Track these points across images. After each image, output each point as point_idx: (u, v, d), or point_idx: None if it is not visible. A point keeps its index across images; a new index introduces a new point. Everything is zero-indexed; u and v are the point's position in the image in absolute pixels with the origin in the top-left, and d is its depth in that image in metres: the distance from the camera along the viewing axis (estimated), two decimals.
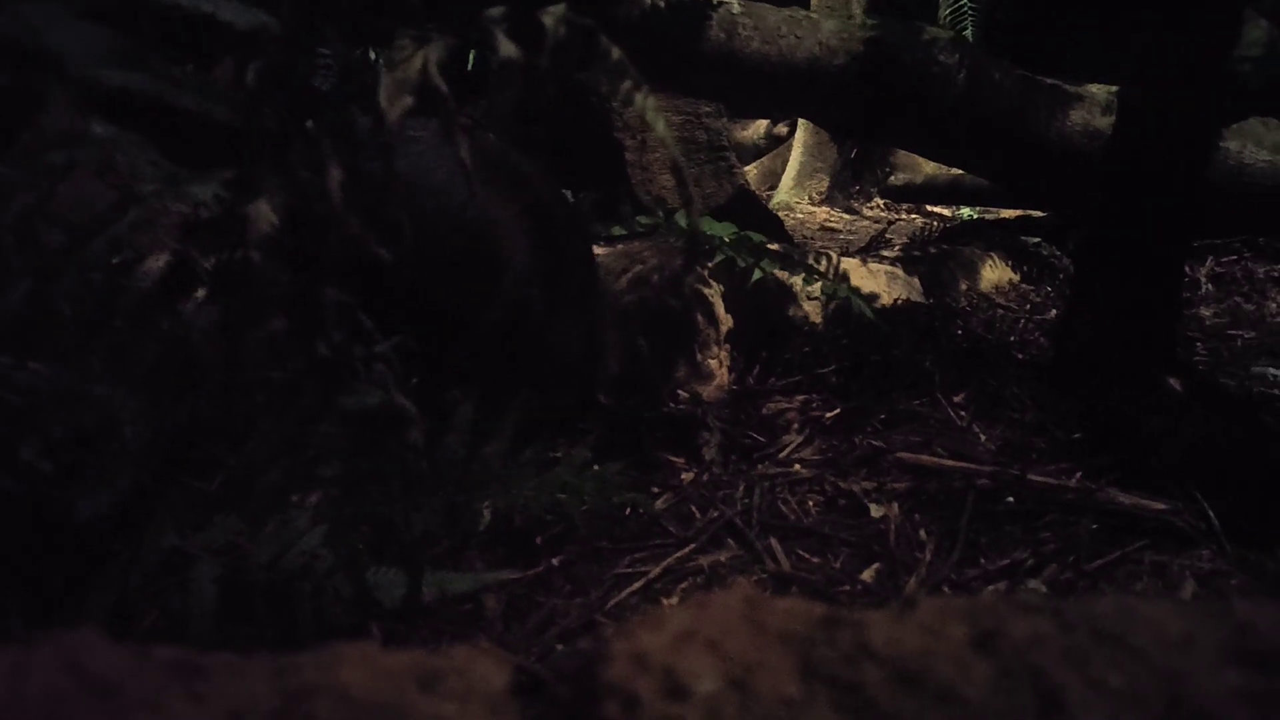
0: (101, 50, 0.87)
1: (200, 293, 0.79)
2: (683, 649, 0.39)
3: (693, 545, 1.44)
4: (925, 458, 1.68)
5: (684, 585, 1.35)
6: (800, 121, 5.12)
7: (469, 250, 1.56)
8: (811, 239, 4.19)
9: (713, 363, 2.10)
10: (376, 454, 0.90)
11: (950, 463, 1.65)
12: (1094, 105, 2.68)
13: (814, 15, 2.68)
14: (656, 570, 1.37)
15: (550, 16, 0.76)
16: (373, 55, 0.80)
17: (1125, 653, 0.37)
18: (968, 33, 4.81)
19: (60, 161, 0.83)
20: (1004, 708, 0.36)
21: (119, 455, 0.94)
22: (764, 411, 2.01)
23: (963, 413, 1.85)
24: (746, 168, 5.26)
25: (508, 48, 0.72)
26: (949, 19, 5.04)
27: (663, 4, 2.44)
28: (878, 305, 2.40)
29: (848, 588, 1.34)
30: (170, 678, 0.42)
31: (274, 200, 0.69)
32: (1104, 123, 2.56)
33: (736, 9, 2.58)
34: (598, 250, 2.04)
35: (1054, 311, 2.50)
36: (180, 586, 1.15)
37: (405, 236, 0.76)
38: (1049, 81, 2.75)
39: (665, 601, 1.31)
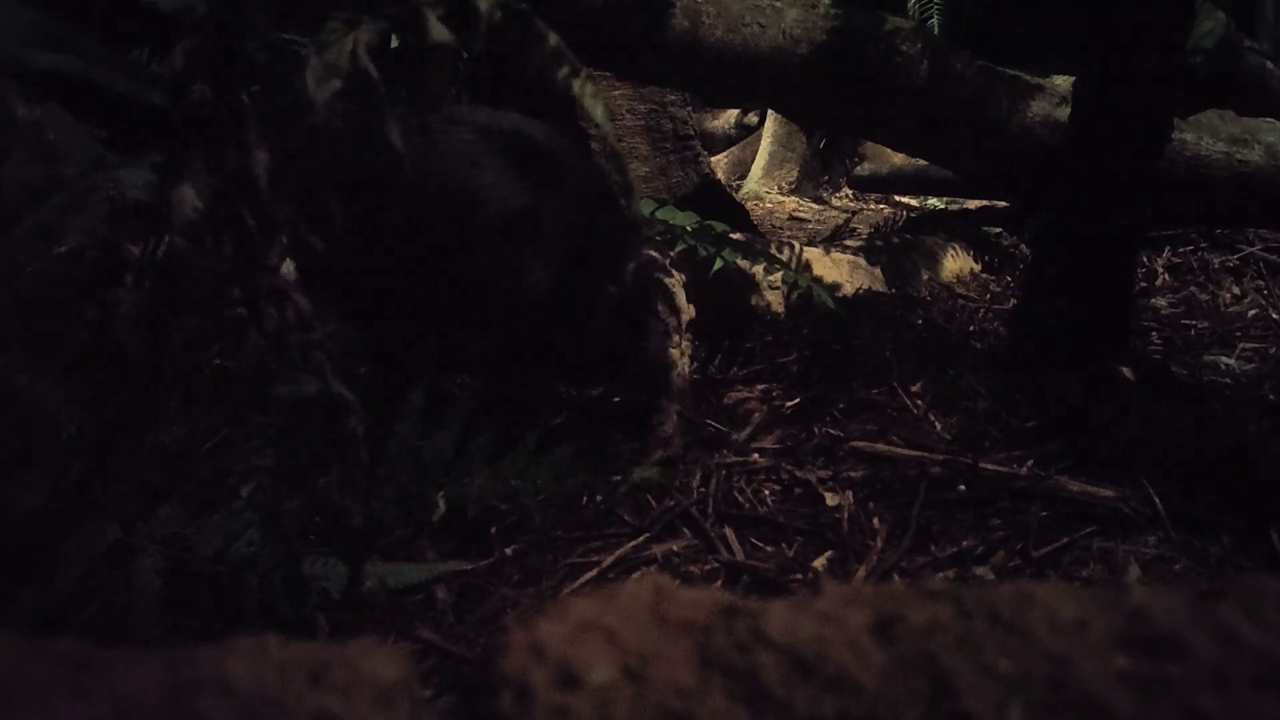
0: (27, 31, 0.85)
1: (129, 279, 0.77)
2: (581, 639, 0.39)
3: (647, 535, 1.44)
4: (881, 446, 1.69)
5: (636, 575, 1.35)
6: (770, 112, 5.12)
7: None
8: (780, 229, 4.19)
9: (674, 352, 2.09)
10: (316, 444, 0.89)
11: (905, 451, 1.66)
12: (1054, 96, 2.70)
13: (778, 4, 2.68)
14: (609, 560, 1.37)
15: (485, 1, 0.75)
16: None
17: (1018, 638, 0.37)
18: (933, 23, 4.83)
19: None
20: (896, 694, 0.36)
21: (56, 447, 0.92)
22: (725, 401, 2.01)
23: (919, 402, 1.86)
24: (717, 157, 5.26)
25: (439, 32, 0.71)
26: (916, 11, 5.06)
27: None
28: (839, 295, 2.40)
29: (799, 576, 1.35)
30: (62, 673, 0.41)
31: (199, 185, 0.68)
32: (1063, 114, 2.57)
33: None
34: None
35: (1013, 301, 2.53)
36: (123, 579, 1.13)
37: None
38: (1010, 73, 2.76)
39: None
